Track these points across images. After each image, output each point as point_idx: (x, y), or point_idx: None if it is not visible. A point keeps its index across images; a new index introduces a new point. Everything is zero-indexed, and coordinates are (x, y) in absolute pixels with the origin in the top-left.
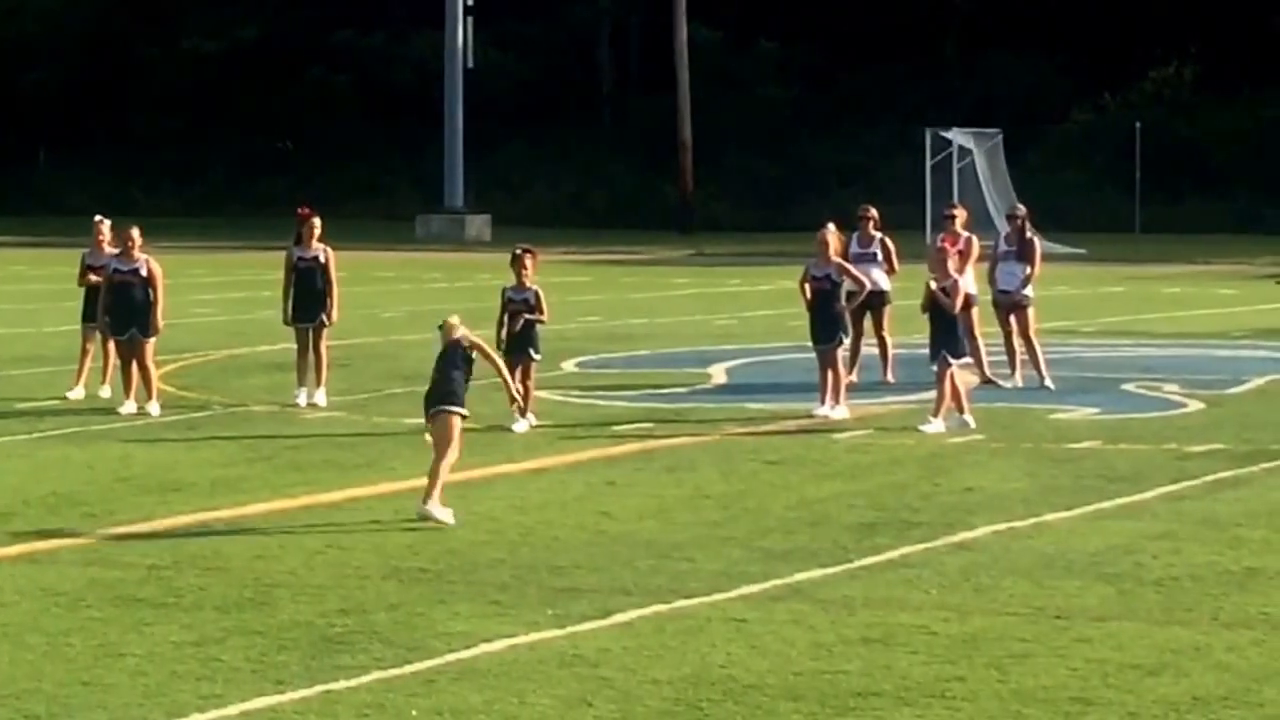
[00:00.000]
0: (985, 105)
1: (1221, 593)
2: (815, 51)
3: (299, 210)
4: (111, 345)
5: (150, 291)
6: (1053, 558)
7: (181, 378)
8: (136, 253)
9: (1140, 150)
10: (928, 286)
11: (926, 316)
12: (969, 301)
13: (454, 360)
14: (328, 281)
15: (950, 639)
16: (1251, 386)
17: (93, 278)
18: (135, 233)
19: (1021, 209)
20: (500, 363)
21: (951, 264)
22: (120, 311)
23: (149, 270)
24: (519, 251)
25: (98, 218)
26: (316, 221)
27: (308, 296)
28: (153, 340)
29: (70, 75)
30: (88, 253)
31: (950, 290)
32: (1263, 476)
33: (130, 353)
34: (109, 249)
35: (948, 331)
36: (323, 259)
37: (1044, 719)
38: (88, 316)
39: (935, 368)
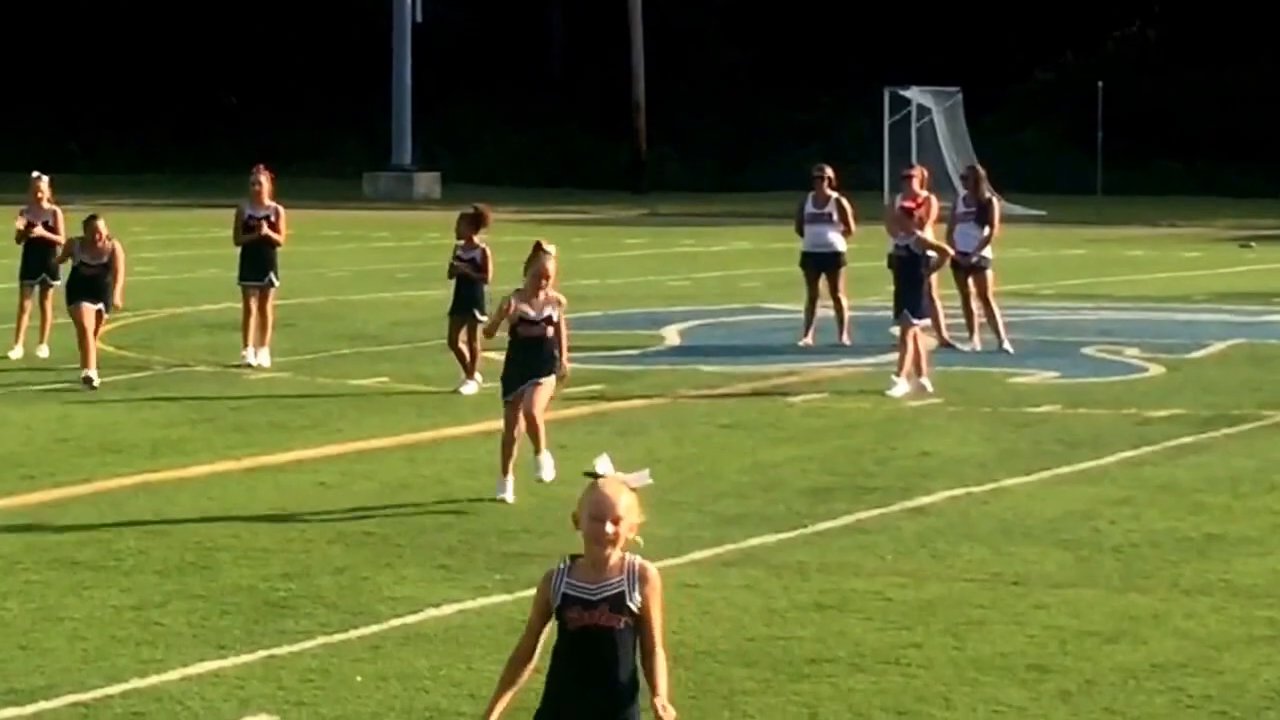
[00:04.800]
0: (945, 64)
1: (1181, 559)
2: (771, 10)
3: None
4: (49, 303)
5: (113, 273)
6: (1010, 524)
7: (122, 337)
8: (103, 243)
9: (1102, 111)
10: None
11: (891, 274)
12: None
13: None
14: (276, 240)
15: (906, 605)
16: (1213, 351)
17: (34, 232)
18: (102, 225)
19: (975, 169)
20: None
21: (913, 224)
22: (91, 293)
23: (114, 255)
24: (470, 211)
25: (35, 174)
26: (265, 180)
27: (256, 256)
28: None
29: (2, 29)
30: (25, 210)
31: (934, 251)
32: (1224, 442)
33: (95, 323)
34: (47, 205)
35: (911, 291)
36: (273, 218)
37: (1000, 686)
38: (26, 274)
39: (898, 328)
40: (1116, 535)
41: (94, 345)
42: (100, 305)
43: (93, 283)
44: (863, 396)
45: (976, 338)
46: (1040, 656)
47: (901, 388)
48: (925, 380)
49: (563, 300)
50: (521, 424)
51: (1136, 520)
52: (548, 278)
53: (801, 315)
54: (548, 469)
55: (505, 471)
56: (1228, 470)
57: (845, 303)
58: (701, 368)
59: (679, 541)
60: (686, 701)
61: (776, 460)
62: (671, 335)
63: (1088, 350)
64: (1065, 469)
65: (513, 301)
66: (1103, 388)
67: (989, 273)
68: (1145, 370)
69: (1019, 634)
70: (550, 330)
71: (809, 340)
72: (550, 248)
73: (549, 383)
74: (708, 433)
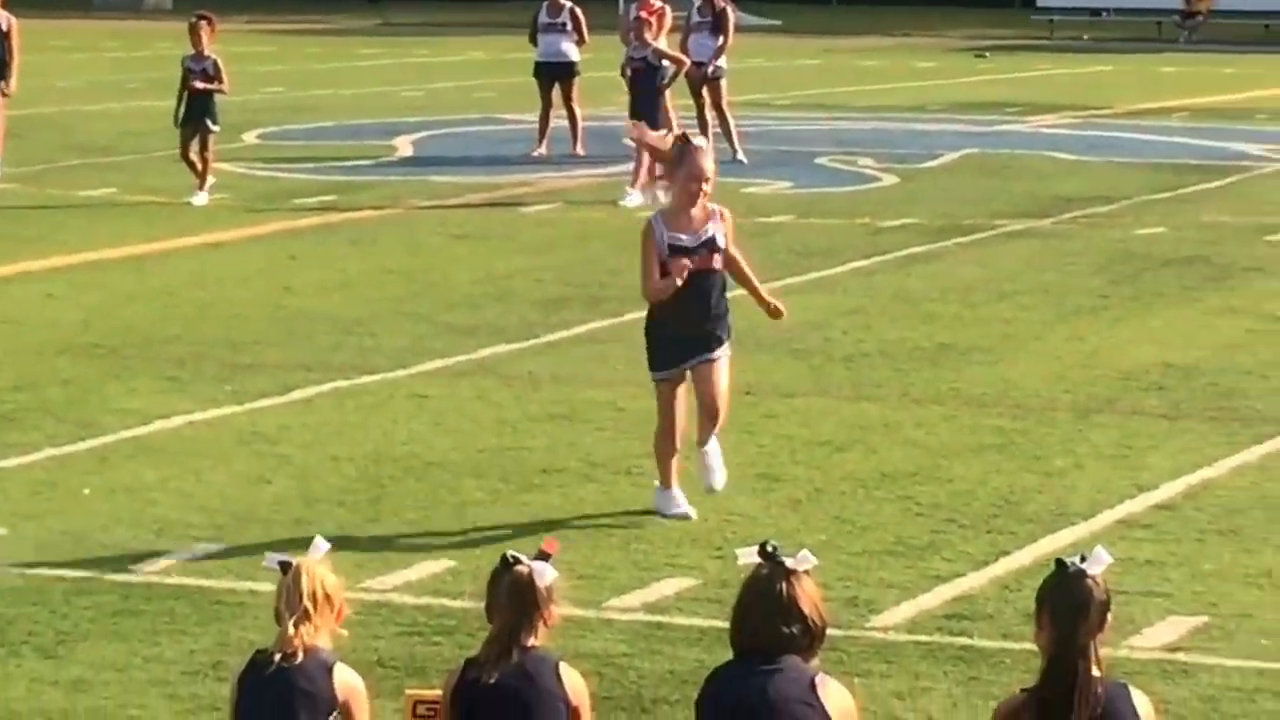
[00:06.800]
0: None
1: (912, 368)
2: None
3: None
4: None
5: None
6: (743, 333)
7: None
8: None
9: None
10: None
11: (625, 84)
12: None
13: None
14: (9, 50)
15: (637, 415)
16: (946, 161)
17: None
18: None
19: None
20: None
21: (649, 34)
22: None
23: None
24: (195, 19)
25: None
26: None
27: None
28: None
29: None
30: None
31: (669, 62)
32: (955, 251)
33: None
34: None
35: (647, 102)
36: (4, 27)
37: (731, 495)
38: None
39: (632, 139)
40: (848, 345)
41: None
42: None
43: None
44: (596, 207)
45: (710, 148)
46: (771, 465)
47: (635, 198)
48: (659, 190)
49: (727, 214)
50: (682, 408)
51: (868, 330)
52: (705, 181)
53: (535, 125)
54: (718, 472)
55: (668, 481)
56: (958, 280)
57: (579, 113)
58: (434, 178)
59: (411, 352)
60: (417, 513)
61: (509, 271)
62: (404, 146)
63: (821, 160)
64: (798, 279)
65: (655, 227)
66: (836, 198)
67: (723, 83)
68: (879, 180)
69: (749, 443)
70: (718, 260)
71: (542, 150)
72: (701, 139)
73: (726, 353)
74: (440, 243)
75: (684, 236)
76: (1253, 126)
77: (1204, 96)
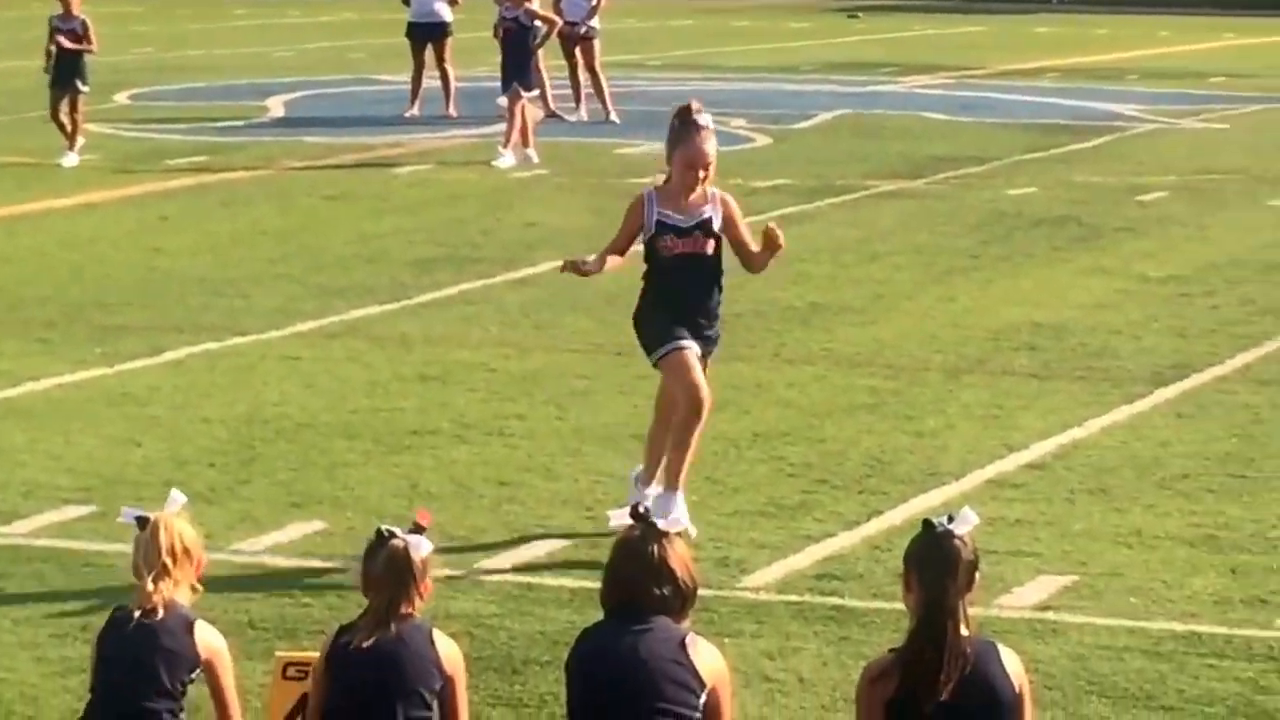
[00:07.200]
0: None
1: (784, 329)
2: None
3: None
4: None
5: None
6: (614, 294)
7: None
8: None
9: None
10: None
11: (498, 45)
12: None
13: None
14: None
15: (509, 376)
16: (818, 121)
17: None
18: None
19: None
20: None
21: None
22: None
23: None
24: None
25: None
26: None
27: None
28: None
29: None
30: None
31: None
32: (828, 211)
33: None
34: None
35: (520, 63)
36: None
37: (603, 456)
38: None
39: (506, 100)
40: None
41: None
42: None
43: None
44: (469, 168)
45: (583, 108)
46: (643, 426)
47: (508, 159)
48: (531, 151)
49: (729, 199)
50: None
51: (740, 290)
52: (706, 167)
53: (408, 86)
54: (678, 505)
55: (652, 476)
56: (831, 240)
57: (452, 73)
58: (306, 139)
59: (283, 314)
60: (288, 474)
61: (381, 231)
62: (276, 106)
63: None
64: None
65: (645, 201)
66: None
67: (596, 43)
68: (751, 141)
69: (623, 404)
70: (712, 245)
71: (415, 111)
72: (704, 117)
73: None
74: (312, 204)
75: (676, 215)
76: (1124, 87)
77: (1076, 57)
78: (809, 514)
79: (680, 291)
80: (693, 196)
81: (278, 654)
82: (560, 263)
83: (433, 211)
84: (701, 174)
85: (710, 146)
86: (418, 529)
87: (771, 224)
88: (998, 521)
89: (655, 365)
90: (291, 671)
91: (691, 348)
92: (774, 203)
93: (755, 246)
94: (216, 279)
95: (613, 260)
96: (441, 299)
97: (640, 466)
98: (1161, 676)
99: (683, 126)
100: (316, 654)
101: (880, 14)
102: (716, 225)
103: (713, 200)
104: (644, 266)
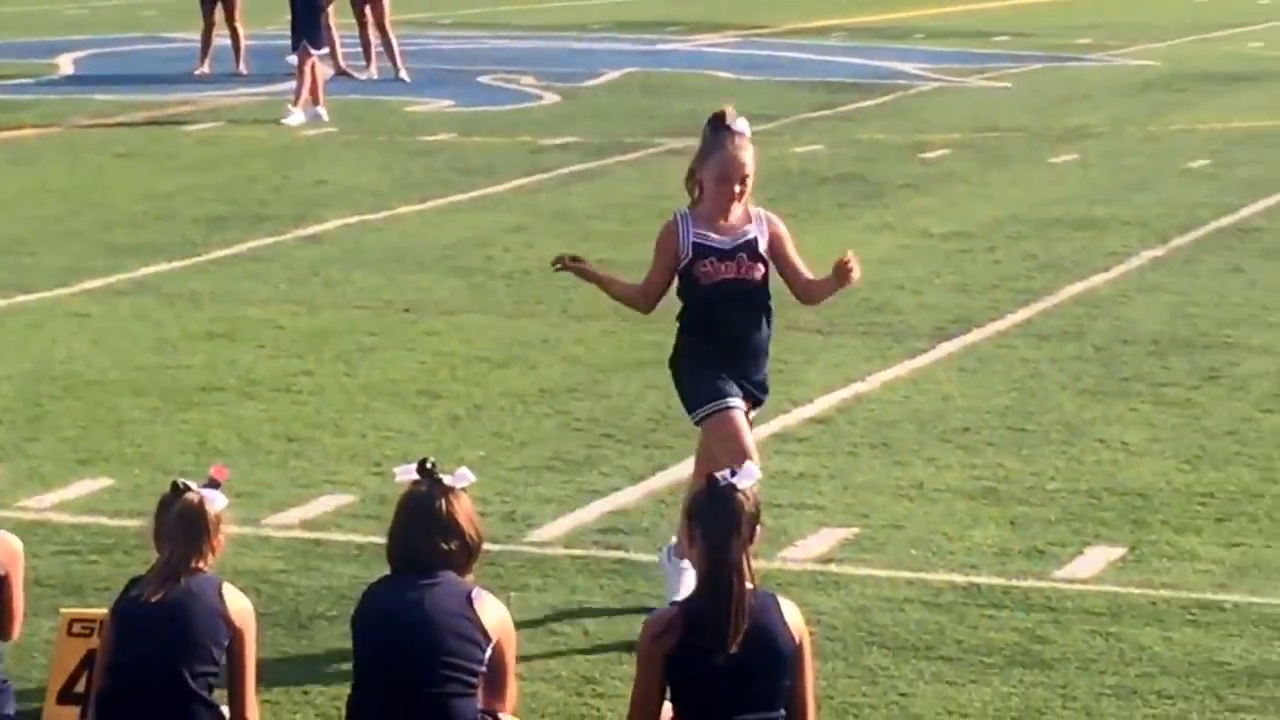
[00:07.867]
0: None
1: (571, 285)
2: None
3: None
4: None
5: None
6: (404, 251)
7: None
8: None
9: None
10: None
11: (287, 3)
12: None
13: None
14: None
15: (298, 333)
16: (607, 79)
17: None
18: None
19: None
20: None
21: None
22: None
23: None
24: None
25: None
26: None
27: None
28: None
29: None
30: None
31: None
32: (615, 169)
33: None
34: None
35: (309, 21)
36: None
37: (391, 411)
38: None
39: (295, 58)
40: (509, 262)
41: None
42: None
43: None
44: (258, 126)
45: (373, 66)
46: (430, 382)
47: (297, 116)
48: (320, 109)
49: (776, 220)
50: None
51: (529, 247)
52: (744, 180)
53: (198, 44)
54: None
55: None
56: (618, 197)
57: (242, 31)
58: (96, 97)
59: (71, 271)
60: (75, 431)
61: (171, 189)
62: (66, 64)
63: (484, 79)
64: (460, 196)
65: (678, 225)
66: (498, 116)
67: (386, 1)
68: (540, 98)
69: (410, 360)
70: (760, 271)
71: (205, 69)
72: (740, 123)
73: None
74: (101, 162)
75: (715, 237)
76: (910, 45)
77: (863, 16)
78: (594, 468)
79: (725, 324)
80: (733, 216)
81: (63, 611)
82: (554, 259)
83: (222, 169)
84: (738, 188)
85: (748, 155)
86: (213, 484)
87: (850, 253)
88: (781, 475)
89: (696, 423)
90: (77, 628)
91: (740, 408)
92: (562, 160)
93: (809, 273)
94: (4, 236)
95: (624, 284)
96: (231, 256)
97: (674, 539)
98: (941, 627)
99: (714, 134)
100: (103, 610)
101: None
102: (762, 247)
103: (757, 219)
104: (678, 305)
